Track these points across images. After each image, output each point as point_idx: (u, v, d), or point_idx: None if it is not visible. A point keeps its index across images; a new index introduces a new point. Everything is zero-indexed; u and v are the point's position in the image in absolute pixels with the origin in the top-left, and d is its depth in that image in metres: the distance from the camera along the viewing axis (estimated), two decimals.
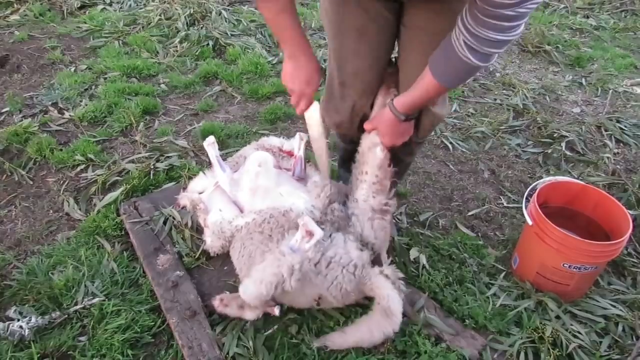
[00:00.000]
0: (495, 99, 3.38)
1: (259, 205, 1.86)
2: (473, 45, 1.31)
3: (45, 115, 2.94)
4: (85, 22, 4.12)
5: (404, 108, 1.60)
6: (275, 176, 1.93)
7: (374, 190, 1.80)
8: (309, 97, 1.68)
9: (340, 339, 1.68)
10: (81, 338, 1.71)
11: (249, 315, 1.71)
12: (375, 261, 1.76)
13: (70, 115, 2.94)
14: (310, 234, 1.59)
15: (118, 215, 2.20)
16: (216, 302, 1.76)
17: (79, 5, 4.47)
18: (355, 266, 1.68)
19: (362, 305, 1.80)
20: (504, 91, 3.50)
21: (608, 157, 2.80)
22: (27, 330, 1.68)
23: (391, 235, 2.06)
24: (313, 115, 1.78)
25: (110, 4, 4.54)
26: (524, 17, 1.23)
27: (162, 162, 2.55)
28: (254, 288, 1.57)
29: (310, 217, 1.63)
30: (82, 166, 2.54)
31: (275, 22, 1.56)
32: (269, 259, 1.59)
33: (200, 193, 2.06)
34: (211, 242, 1.90)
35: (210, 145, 2.04)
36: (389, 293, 1.64)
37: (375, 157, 1.78)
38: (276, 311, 1.72)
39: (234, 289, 1.86)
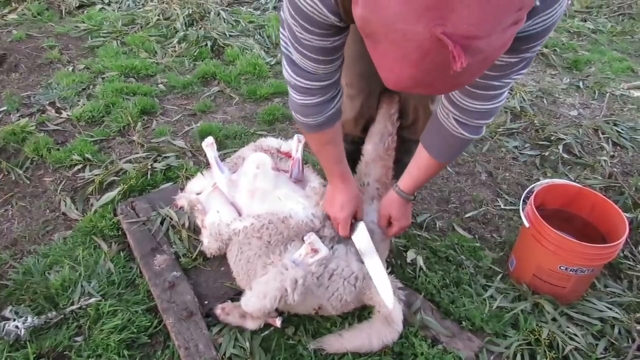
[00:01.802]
0: None
1: (257, 209, 1.85)
2: (463, 120, 1.35)
3: (42, 115, 2.93)
4: (83, 22, 4.12)
5: (410, 189, 1.64)
6: (273, 178, 1.93)
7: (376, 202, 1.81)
8: (343, 222, 1.69)
9: (338, 343, 1.68)
10: (77, 338, 1.71)
11: (251, 324, 1.71)
12: None
13: (67, 115, 2.93)
14: (315, 251, 1.59)
15: (115, 215, 2.20)
16: (218, 311, 1.76)
17: (77, 4, 4.48)
18: (357, 278, 1.68)
19: (360, 307, 1.80)
20: None
21: (605, 160, 2.81)
22: (23, 330, 1.67)
23: None
24: (359, 236, 1.74)
25: (108, 4, 4.54)
26: (508, 85, 1.26)
27: (159, 162, 2.55)
28: (257, 301, 1.57)
29: (316, 236, 1.63)
30: (79, 166, 2.53)
31: (319, 152, 1.61)
32: (272, 273, 1.59)
33: (198, 194, 2.06)
34: (208, 243, 1.90)
35: (208, 146, 2.04)
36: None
37: (377, 171, 1.79)
38: (278, 322, 1.72)
39: (231, 290, 1.87)
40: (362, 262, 1.72)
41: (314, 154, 1.72)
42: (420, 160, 1.55)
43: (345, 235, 1.72)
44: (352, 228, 1.73)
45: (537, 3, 0.99)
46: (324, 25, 1.16)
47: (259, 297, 1.56)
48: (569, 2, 5.14)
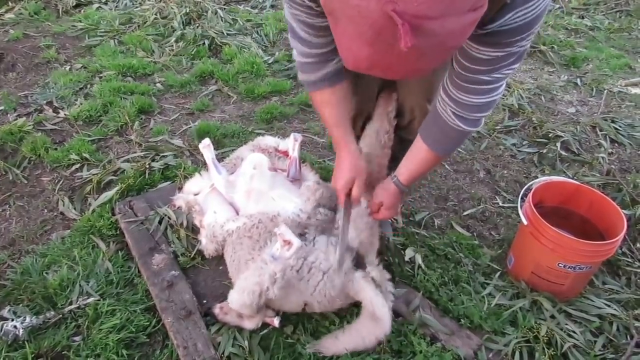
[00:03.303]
0: None
1: (252, 209, 1.86)
2: (460, 114, 1.36)
3: (40, 114, 2.93)
4: (80, 21, 4.11)
5: (408, 181, 1.64)
6: (270, 179, 1.93)
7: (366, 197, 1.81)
8: (339, 192, 1.65)
9: (334, 345, 1.67)
10: (76, 338, 1.71)
11: (248, 324, 1.71)
12: (359, 264, 1.75)
13: (65, 114, 2.93)
14: (289, 243, 1.59)
15: (113, 214, 2.19)
16: (216, 310, 1.76)
17: (74, 3, 4.47)
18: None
19: (358, 305, 1.79)
20: None
21: (603, 157, 2.81)
22: (21, 330, 1.67)
23: (386, 236, 2.07)
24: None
25: (105, 3, 4.54)
26: (501, 80, 1.26)
27: (157, 161, 2.54)
28: (238, 297, 1.58)
29: (286, 226, 1.62)
30: (77, 165, 2.53)
31: (320, 112, 1.61)
32: (252, 268, 1.60)
33: (196, 194, 2.05)
34: (205, 244, 1.90)
35: (206, 147, 2.04)
36: (371, 297, 1.63)
37: (371, 167, 1.78)
38: (276, 322, 1.71)
39: (229, 290, 1.86)
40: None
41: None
42: (418, 153, 1.55)
43: (341, 205, 1.69)
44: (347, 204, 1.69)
45: None
46: (304, 5, 1.23)
47: (238, 292, 1.57)
48: None
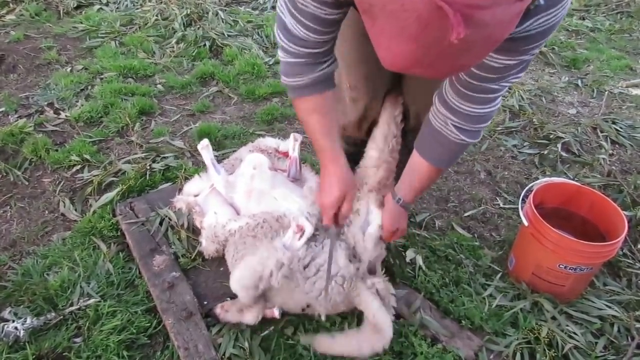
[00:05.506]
0: None
1: (254, 209, 1.85)
2: (463, 126, 1.34)
3: (41, 116, 2.93)
4: (81, 22, 4.11)
5: (413, 200, 1.63)
6: (270, 179, 1.93)
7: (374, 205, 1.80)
8: (327, 209, 1.58)
9: (327, 344, 1.66)
10: (76, 339, 1.71)
11: (249, 318, 1.71)
12: (372, 271, 1.74)
13: (66, 116, 2.93)
14: (301, 229, 1.60)
15: (114, 215, 2.20)
16: (218, 310, 1.76)
17: (75, 5, 4.47)
18: (343, 278, 1.65)
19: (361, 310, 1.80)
20: None
21: (603, 158, 2.81)
22: (22, 332, 1.67)
23: None
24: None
25: (106, 4, 4.54)
26: (504, 89, 1.26)
27: (158, 162, 2.55)
28: (239, 275, 1.58)
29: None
30: (78, 167, 2.53)
31: (306, 122, 1.50)
32: (260, 251, 1.61)
33: (195, 195, 2.05)
34: (206, 245, 1.90)
35: (204, 148, 2.03)
36: (375, 311, 1.62)
37: (379, 174, 1.78)
38: (276, 313, 1.71)
39: (230, 290, 1.86)
40: (351, 262, 1.70)
41: (306, 132, 1.58)
42: (419, 170, 1.53)
43: (328, 224, 1.62)
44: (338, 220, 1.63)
45: (541, 2, 0.97)
46: None
47: (241, 270, 1.58)
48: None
